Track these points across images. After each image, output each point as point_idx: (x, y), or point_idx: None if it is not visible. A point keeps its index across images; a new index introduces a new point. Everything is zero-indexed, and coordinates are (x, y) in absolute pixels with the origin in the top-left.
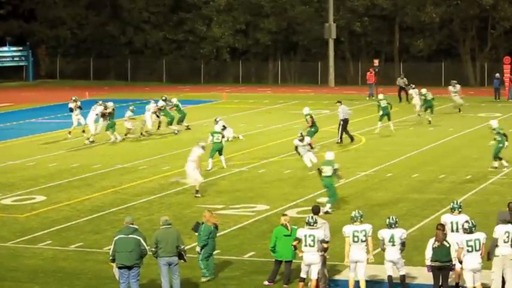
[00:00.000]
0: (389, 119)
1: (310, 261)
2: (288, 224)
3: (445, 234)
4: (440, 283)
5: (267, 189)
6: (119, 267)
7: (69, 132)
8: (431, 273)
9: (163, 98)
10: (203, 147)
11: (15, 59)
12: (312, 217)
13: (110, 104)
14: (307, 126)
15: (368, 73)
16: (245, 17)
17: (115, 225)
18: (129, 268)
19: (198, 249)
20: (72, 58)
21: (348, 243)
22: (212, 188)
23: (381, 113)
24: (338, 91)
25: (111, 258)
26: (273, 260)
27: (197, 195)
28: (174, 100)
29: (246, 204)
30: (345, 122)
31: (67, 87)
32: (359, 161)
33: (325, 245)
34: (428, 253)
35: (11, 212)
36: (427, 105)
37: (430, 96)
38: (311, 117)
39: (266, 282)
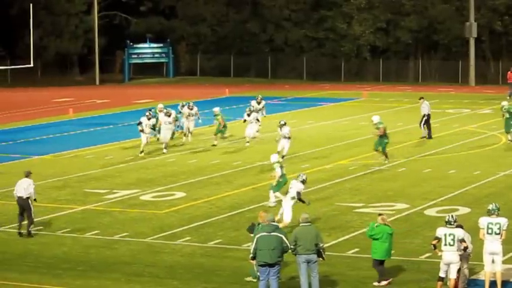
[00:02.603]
0: None
1: (450, 260)
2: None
3: None
4: None
5: (406, 188)
6: (261, 265)
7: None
8: None
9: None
10: None
11: (155, 55)
12: (452, 216)
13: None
14: (377, 135)
15: (509, 72)
16: (386, 15)
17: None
18: (271, 265)
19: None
20: (212, 55)
21: (482, 235)
22: (351, 187)
23: None
24: (478, 90)
25: (252, 255)
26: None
27: None
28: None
29: (386, 202)
30: (428, 116)
31: (207, 84)
32: (498, 161)
33: (464, 244)
34: None
35: (150, 208)
36: None
37: None
38: (383, 126)
39: (384, 282)
